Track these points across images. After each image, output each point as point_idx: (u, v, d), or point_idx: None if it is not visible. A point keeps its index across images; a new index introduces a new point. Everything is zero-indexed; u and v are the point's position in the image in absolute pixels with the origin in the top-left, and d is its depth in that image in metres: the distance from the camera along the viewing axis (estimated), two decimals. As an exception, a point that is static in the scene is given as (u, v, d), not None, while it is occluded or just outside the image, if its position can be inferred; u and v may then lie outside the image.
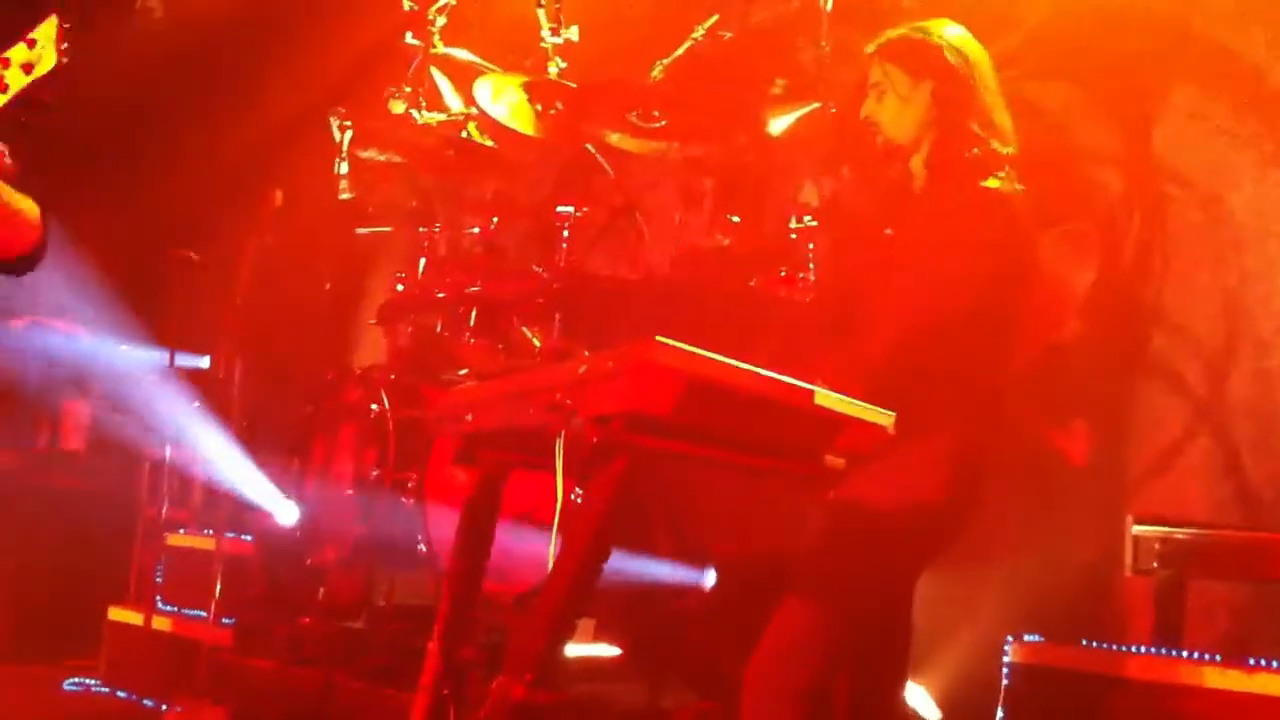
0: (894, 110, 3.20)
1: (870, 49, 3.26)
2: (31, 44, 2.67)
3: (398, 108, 5.11)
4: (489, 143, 5.03)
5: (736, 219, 4.37)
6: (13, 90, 2.65)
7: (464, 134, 5.00)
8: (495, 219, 4.92)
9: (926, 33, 3.21)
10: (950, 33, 3.22)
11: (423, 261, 5.07)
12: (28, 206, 2.84)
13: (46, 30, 2.67)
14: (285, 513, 5.00)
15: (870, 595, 3.05)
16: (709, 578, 3.82)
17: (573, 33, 4.79)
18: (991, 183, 3.09)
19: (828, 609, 2.98)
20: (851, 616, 3.00)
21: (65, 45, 2.66)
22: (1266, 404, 4.17)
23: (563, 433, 2.56)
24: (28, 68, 2.65)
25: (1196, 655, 3.41)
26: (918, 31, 3.22)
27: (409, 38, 5.10)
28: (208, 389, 5.76)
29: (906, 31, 3.23)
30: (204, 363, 6.35)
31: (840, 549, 3.05)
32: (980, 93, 3.17)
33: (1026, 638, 3.72)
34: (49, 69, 2.65)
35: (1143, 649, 3.53)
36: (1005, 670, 3.70)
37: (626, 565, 3.78)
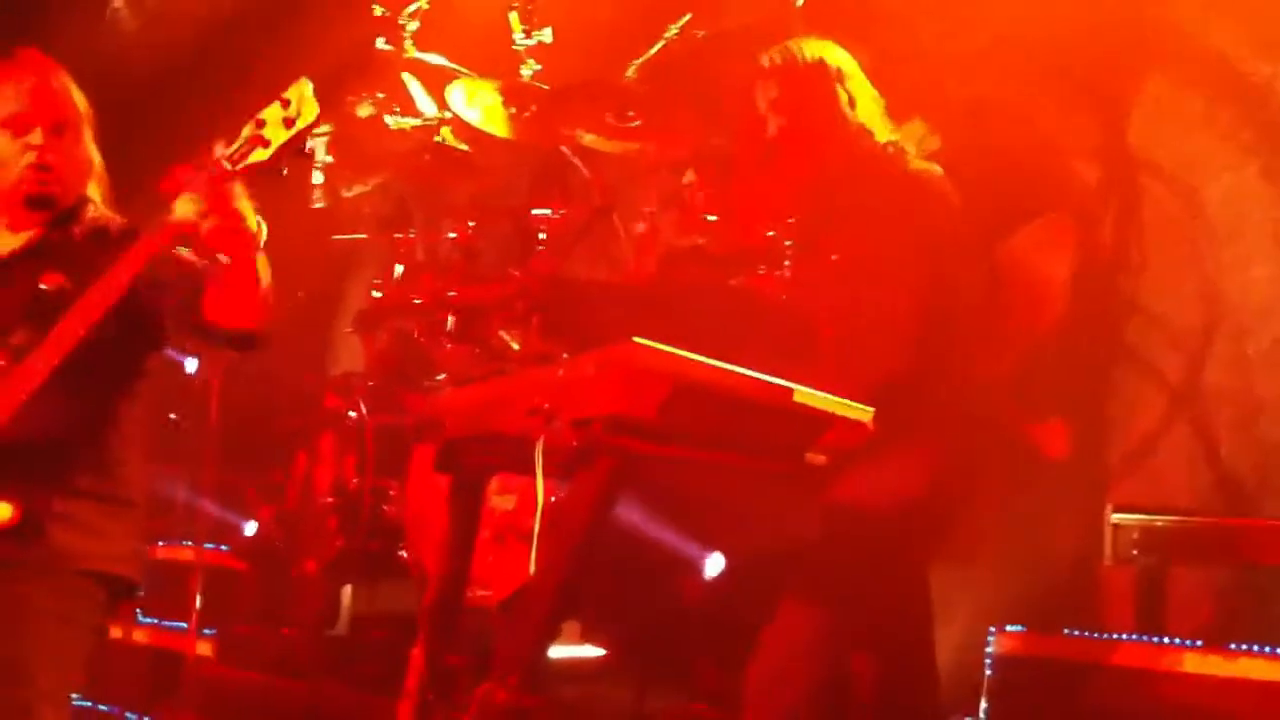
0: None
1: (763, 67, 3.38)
2: (285, 104, 2.66)
3: (364, 111, 5.08)
4: (464, 147, 5.02)
5: (713, 218, 4.36)
6: (275, 145, 2.63)
7: (438, 139, 4.99)
8: (472, 223, 4.91)
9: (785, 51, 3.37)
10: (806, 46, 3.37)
11: (399, 267, 5.05)
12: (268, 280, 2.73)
13: (300, 90, 2.66)
14: (248, 526, 5.00)
15: (871, 599, 3.04)
16: (712, 565, 3.75)
17: (546, 35, 4.78)
18: (916, 165, 3.20)
19: (829, 617, 2.97)
20: (853, 623, 3.00)
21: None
22: (1244, 391, 4.18)
23: (542, 437, 2.55)
24: (289, 122, 2.64)
25: (1178, 641, 3.43)
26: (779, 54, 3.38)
27: (381, 43, 5.08)
28: (187, 398, 5.71)
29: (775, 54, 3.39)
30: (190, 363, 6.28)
31: (838, 555, 3.04)
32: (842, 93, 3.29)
33: (1009, 628, 3.73)
34: (312, 120, 2.64)
35: (1124, 636, 3.54)
36: (988, 661, 3.71)
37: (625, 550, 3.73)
